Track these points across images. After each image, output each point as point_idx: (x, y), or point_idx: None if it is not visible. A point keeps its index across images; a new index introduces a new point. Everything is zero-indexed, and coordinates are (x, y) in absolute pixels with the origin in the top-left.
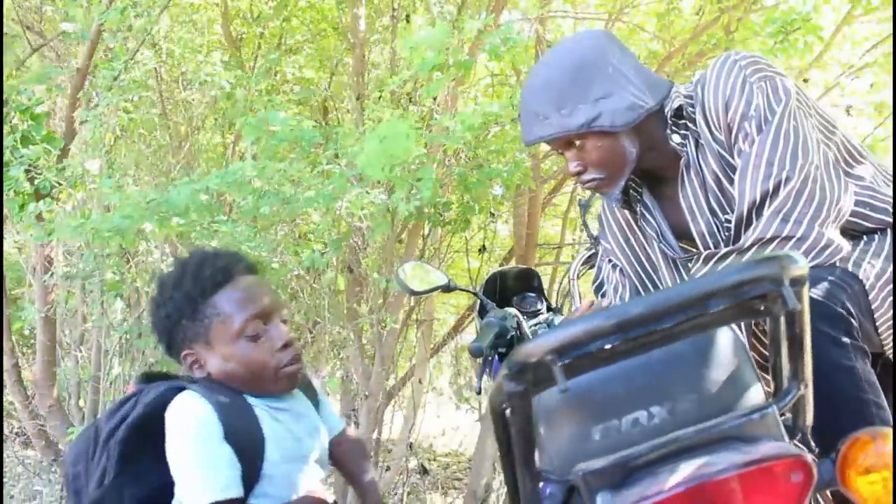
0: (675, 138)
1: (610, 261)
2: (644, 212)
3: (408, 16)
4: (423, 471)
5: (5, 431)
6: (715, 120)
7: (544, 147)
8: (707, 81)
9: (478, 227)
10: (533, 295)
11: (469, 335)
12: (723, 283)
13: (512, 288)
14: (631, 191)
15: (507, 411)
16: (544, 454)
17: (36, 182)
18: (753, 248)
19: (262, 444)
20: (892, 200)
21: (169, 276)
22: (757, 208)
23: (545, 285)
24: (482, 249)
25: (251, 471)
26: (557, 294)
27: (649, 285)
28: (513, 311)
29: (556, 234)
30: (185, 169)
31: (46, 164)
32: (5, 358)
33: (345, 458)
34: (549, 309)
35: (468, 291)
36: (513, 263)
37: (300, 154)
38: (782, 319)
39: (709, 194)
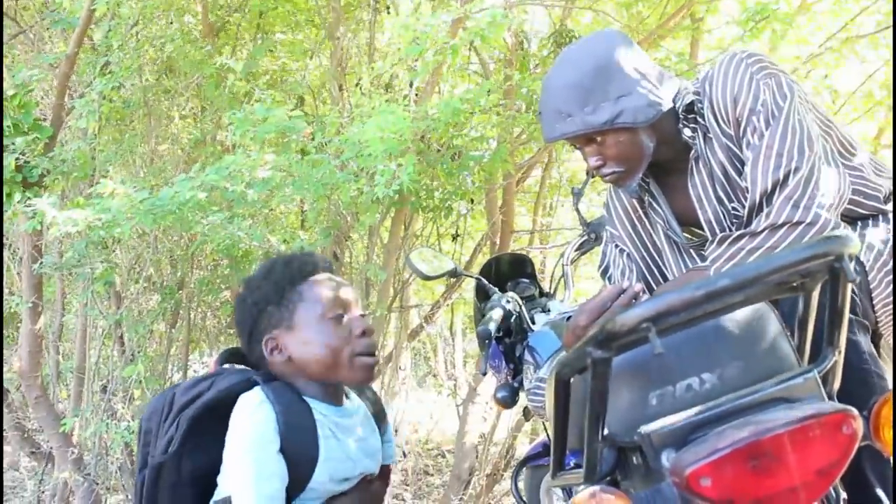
0: (687, 132)
1: (616, 245)
2: (651, 201)
3: (388, 7)
4: (405, 457)
5: None
6: (723, 114)
7: (521, 135)
8: (714, 78)
9: (457, 214)
10: (526, 280)
11: (440, 325)
12: (797, 258)
13: (506, 273)
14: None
15: (571, 379)
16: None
17: (24, 171)
18: (765, 232)
19: (314, 462)
20: (882, 189)
21: (257, 272)
22: (769, 196)
23: None
24: (455, 237)
25: (296, 484)
26: (544, 279)
27: (654, 268)
28: (514, 295)
29: (521, 219)
30: (171, 160)
31: (34, 152)
32: None
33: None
34: (541, 294)
35: (472, 277)
36: (486, 250)
37: (287, 146)
38: (815, 294)
39: (716, 184)
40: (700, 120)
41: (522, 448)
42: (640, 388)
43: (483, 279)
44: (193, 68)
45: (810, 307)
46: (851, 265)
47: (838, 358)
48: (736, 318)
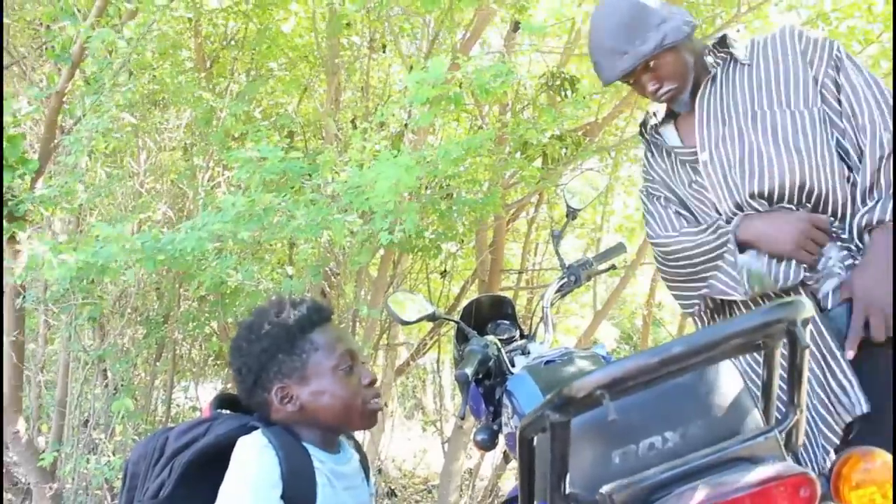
0: (710, 59)
1: (653, 196)
2: (657, 135)
3: (384, 46)
4: (391, 494)
5: None
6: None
7: (512, 177)
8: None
9: (447, 252)
10: (506, 322)
11: (429, 358)
12: (751, 325)
13: (486, 315)
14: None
15: (535, 440)
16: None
17: (9, 205)
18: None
19: None
20: None
21: (261, 315)
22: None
23: None
24: (444, 274)
25: None
26: (531, 319)
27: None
28: (493, 338)
29: (512, 258)
30: (158, 194)
31: (21, 186)
32: None
33: None
34: (521, 336)
35: (450, 320)
36: (474, 288)
37: (287, 185)
38: (777, 353)
39: (723, 105)
40: (730, 51)
41: (507, 484)
42: (603, 447)
43: (461, 322)
44: (186, 103)
45: (773, 365)
46: (806, 331)
47: (800, 417)
48: (699, 377)
